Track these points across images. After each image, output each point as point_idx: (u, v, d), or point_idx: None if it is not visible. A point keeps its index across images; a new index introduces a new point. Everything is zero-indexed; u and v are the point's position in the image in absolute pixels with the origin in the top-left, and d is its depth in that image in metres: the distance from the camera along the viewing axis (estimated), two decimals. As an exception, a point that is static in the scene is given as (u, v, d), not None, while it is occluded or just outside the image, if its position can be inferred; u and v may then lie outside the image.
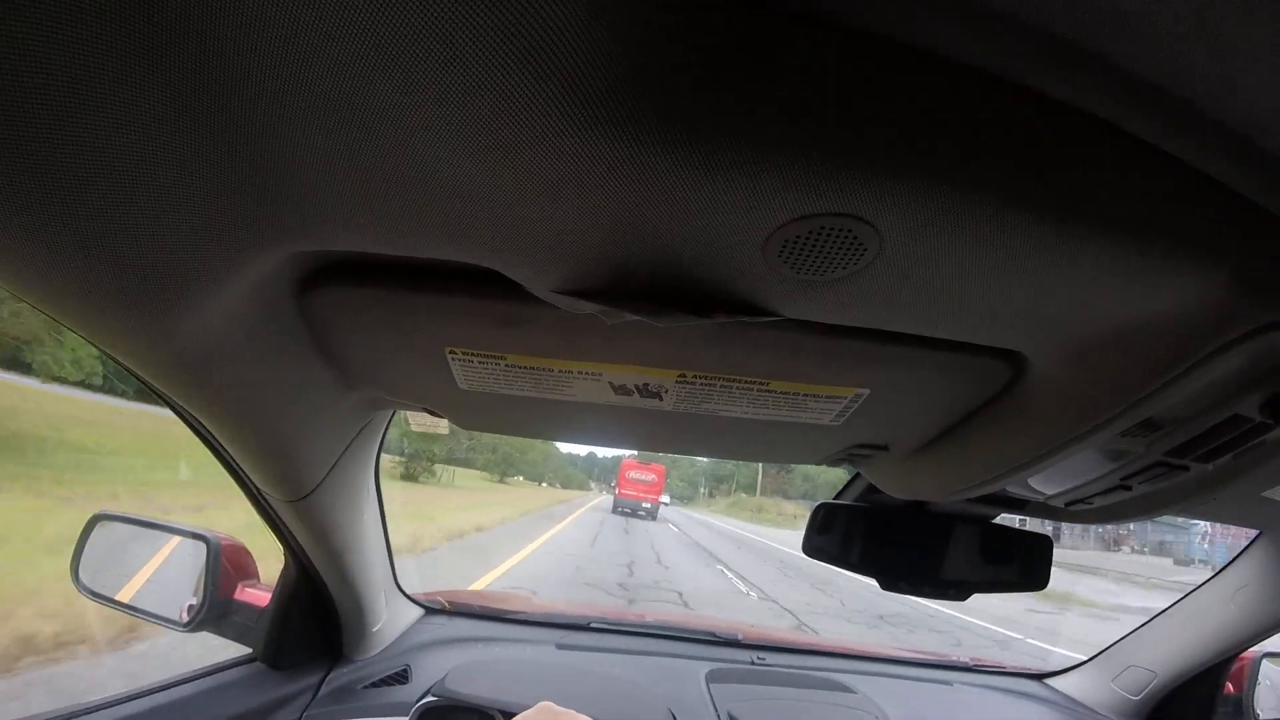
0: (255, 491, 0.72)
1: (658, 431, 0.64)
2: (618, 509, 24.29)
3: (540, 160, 0.28)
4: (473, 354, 0.50)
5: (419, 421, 0.76)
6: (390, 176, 0.30)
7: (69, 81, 0.24)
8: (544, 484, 71.50)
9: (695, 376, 0.50)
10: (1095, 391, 0.42)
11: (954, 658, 1.49)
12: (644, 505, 24.12)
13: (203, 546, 0.97)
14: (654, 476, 24.70)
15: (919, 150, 0.26)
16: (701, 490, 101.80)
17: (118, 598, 1.00)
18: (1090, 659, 1.39)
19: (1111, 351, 0.39)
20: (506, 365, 0.51)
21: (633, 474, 25.03)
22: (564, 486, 79.27)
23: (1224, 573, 1.20)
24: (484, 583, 6.20)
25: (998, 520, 0.83)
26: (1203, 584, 1.22)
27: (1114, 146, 0.26)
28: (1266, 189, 0.28)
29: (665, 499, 28.96)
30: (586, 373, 0.51)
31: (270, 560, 0.99)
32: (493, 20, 0.22)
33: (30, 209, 0.27)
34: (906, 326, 0.40)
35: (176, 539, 1.03)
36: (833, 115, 0.25)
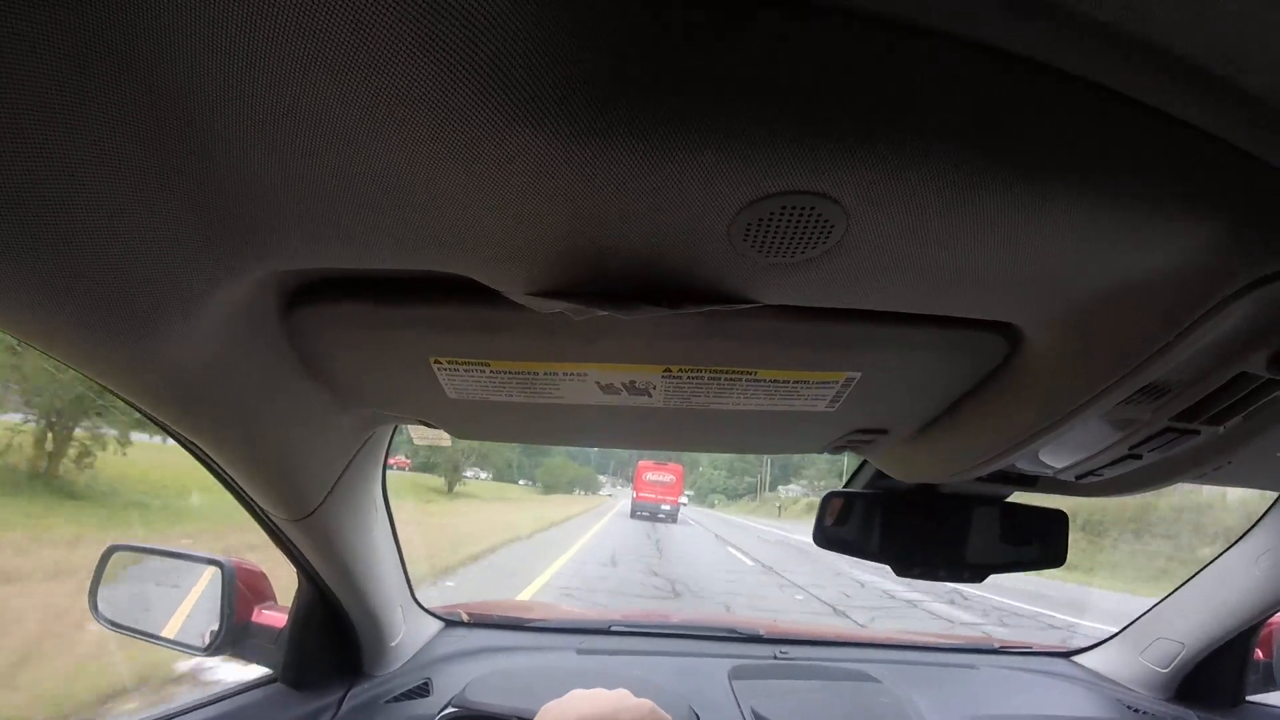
0: (260, 512, 0.72)
1: (652, 428, 0.64)
2: (636, 514, 23.53)
3: (488, 163, 0.27)
4: (458, 363, 0.50)
5: (420, 435, 0.76)
6: (345, 190, 0.30)
7: (21, 110, 0.24)
8: (470, 475, 31.08)
9: (681, 371, 0.49)
10: (1094, 359, 0.41)
11: (980, 640, 1.48)
12: (663, 508, 23.29)
13: (218, 572, 0.98)
14: (672, 477, 23.89)
15: (876, 119, 0.25)
16: (755, 479, 67.40)
17: (137, 627, 1.01)
18: (1117, 633, 1.37)
19: (1107, 316, 0.38)
20: (491, 372, 0.51)
21: (650, 475, 24.17)
22: (546, 490, 44.74)
23: (1246, 538, 1.18)
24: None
25: (1011, 499, 0.82)
26: (1226, 550, 1.20)
27: (1082, 98, 0.25)
28: (1251, 133, 0.26)
29: (684, 500, 27.84)
30: (572, 374, 0.51)
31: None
32: (414, 25, 0.22)
33: (4, 246, 0.28)
34: (890, 305, 0.40)
35: (191, 566, 1.04)
36: (784, 91, 0.24)
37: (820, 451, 0.70)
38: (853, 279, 0.36)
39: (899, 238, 0.32)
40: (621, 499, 44.34)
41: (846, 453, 0.72)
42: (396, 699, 0.99)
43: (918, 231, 0.31)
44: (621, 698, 0.56)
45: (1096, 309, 0.37)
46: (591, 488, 70.91)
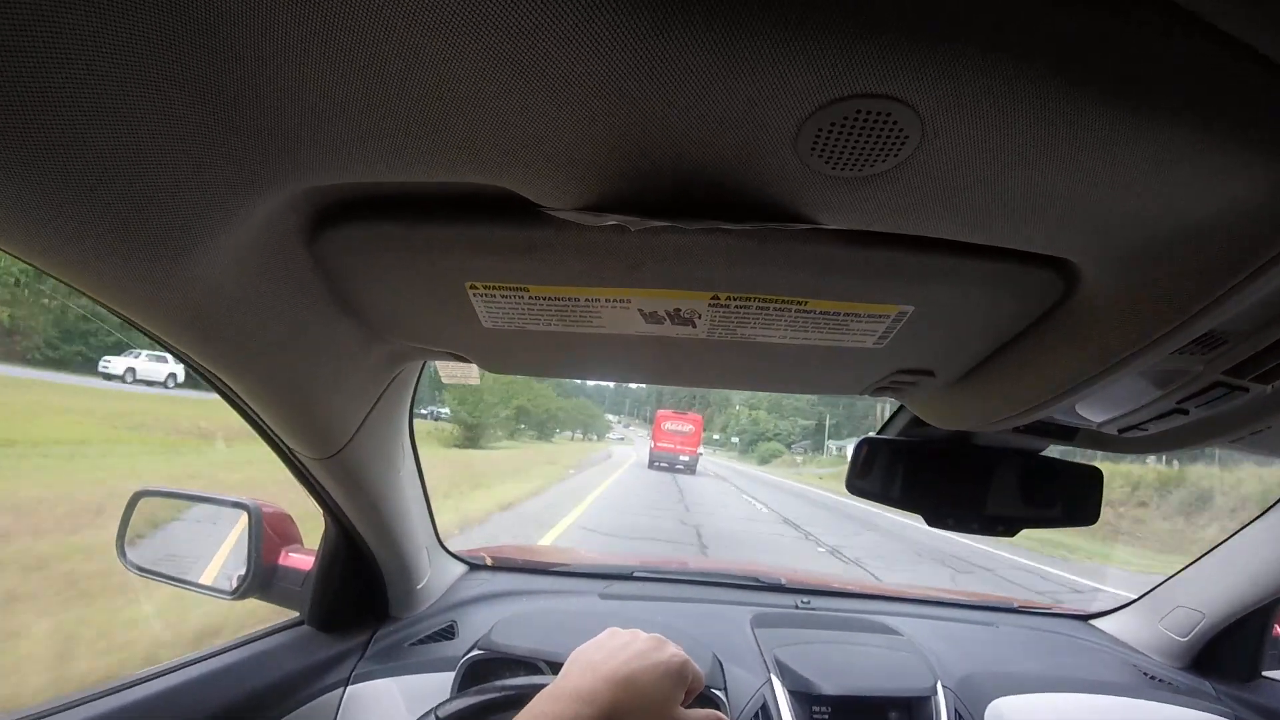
0: (286, 451, 0.72)
1: (692, 363, 0.62)
2: (654, 464, 22.77)
3: (542, 53, 0.26)
4: (494, 288, 0.48)
5: (449, 373, 0.76)
6: (386, 90, 0.29)
7: (31, 13, 0.23)
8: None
9: (729, 299, 0.48)
10: (1152, 304, 0.39)
11: (1000, 599, 1.49)
12: (681, 458, 22.66)
13: (244, 515, 0.99)
14: (691, 427, 23.19)
15: (961, 20, 0.24)
16: (813, 420, 52.44)
17: (165, 572, 1.02)
18: (1137, 599, 1.37)
19: (1169, 257, 0.36)
20: (530, 297, 0.49)
21: (669, 425, 23.40)
22: (467, 438, 18.99)
23: (1274, 510, 1.16)
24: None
25: (1045, 452, 0.82)
26: (1251, 522, 1.19)
27: (1164, 21, 0.24)
28: None
29: (702, 450, 26.80)
30: (614, 300, 0.49)
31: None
32: None
33: (22, 158, 0.27)
34: (951, 232, 0.38)
35: (218, 509, 1.05)
36: None
37: (861, 393, 0.69)
38: (917, 199, 0.34)
39: (970, 156, 0.30)
40: (639, 447, 35.64)
41: (887, 395, 0.70)
42: (422, 641, 1.01)
43: (990, 150, 0.30)
44: (656, 646, 0.54)
45: (1158, 248, 0.36)
46: (594, 430, 49.71)
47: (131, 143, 0.29)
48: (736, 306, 0.49)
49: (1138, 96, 0.26)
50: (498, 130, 0.31)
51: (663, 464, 22.47)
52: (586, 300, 0.49)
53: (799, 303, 0.48)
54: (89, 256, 0.34)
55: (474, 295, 0.50)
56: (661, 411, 24.47)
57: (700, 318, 0.51)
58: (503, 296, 0.49)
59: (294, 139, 0.32)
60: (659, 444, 23.44)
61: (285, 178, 0.36)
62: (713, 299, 0.48)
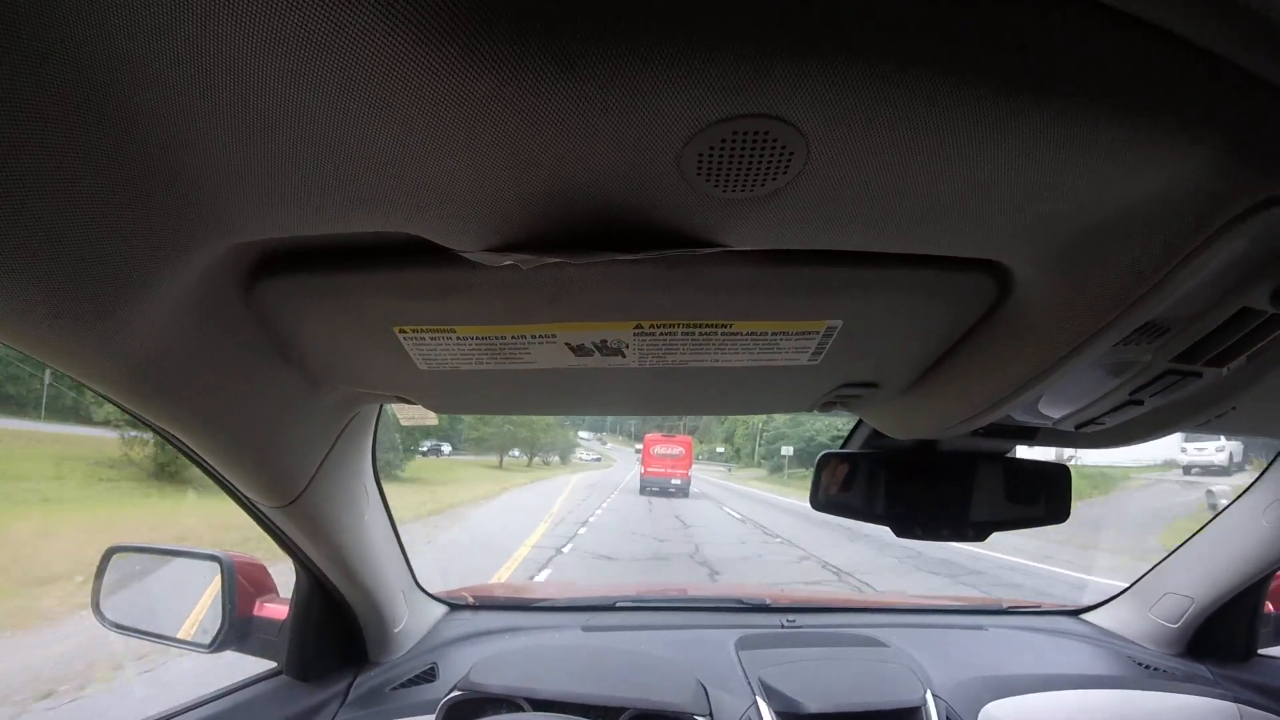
0: (245, 500, 0.71)
1: (631, 392, 0.63)
2: (645, 489, 21.56)
3: (421, 112, 0.26)
4: (422, 330, 0.49)
5: (407, 415, 0.75)
6: (285, 150, 0.29)
7: None
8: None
9: (653, 326, 0.48)
10: (1088, 297, 0.39)
11: (987, 602, 1.48)
12: (673, 482, 21.43)
13: (216, 567, 0.98)
14: (681, 449, 22.04)
15: (833, 29, 0.23)
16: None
17: (141, 628, 1.01)
18: (1125, 590, 1.37)
19: (1099, 249, 0.36)
20: (458, 338, 0.49)
21: (658, 449, 22.19)
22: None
23: (1253, 489, 1.17)
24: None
25: (1011, 454, 0.81)
26: (1232, 503, 1.19)
27: (1063, 9, 0.23)
28: (1248, 47, 0.24)
29: (691, 474, 25.52)
30: (540, 336, 0.49)
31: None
32: None
33: None
34: (868, 244, 0.38)
35: (192, 563, 1.04)
36: (719, 3, 0.22)
37: (809, 410, 0.69)
38: (822, 214, 0.34)
39: (864, 167, 0.30)
40: (618, 474, 30.92)
41: (836, 410, 0.70)
42: (403, 685, 0.99)
43: (886, 158, 0.29)
44: None
45: (1088, 242, 0.36)
46: (548, 450, 36.94)
47: (59, 208, 0.29)
48: (661, 334, 0.49)
49: (1040, 89, 0.25)
50: (397, 182, 0.31)
51: (654, 489, 21.30)
52: (513, 338, 0.49)
53: (723, 325, 0.48)
54: (33, 327, 0.34)
55: (404, 338, 0.50)
56: (649, 436, 23.03)
57: (628, 347, 0.51)
58: (431, 338, 0.50)
59: (216, 202, 0.33)
60: (649, 469, 22.07)
61: (213, 236, 0.36)
62: (636, 328, 0.48)
